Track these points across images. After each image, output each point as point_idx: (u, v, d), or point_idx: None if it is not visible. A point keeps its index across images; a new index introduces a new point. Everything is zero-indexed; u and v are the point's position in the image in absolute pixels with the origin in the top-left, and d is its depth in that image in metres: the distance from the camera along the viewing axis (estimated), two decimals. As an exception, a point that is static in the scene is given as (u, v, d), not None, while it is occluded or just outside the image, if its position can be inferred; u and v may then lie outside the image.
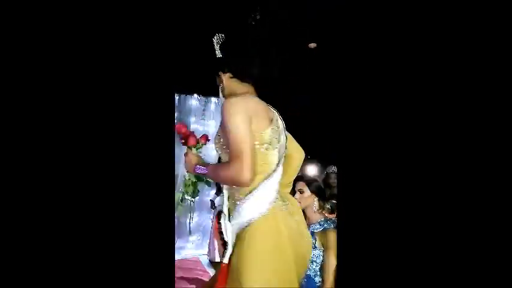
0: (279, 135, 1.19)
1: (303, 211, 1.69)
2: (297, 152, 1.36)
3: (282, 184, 1.20)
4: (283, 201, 1.16)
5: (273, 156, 1.15)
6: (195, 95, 4.27)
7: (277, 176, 1.15)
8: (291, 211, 1.16)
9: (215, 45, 1.33)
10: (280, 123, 1.23)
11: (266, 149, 1.12)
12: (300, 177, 1.78)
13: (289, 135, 1.32)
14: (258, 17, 2.99)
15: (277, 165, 1.15)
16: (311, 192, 1.71)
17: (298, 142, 1.38)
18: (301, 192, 1.70)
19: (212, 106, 4.40)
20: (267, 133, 1.12)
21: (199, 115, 4.34)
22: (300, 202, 1.65)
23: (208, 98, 4.36)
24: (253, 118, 1.08)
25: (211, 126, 4.34)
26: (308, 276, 1.59)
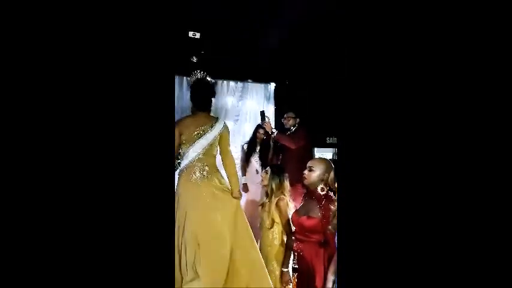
0: (202, 135, 2.39)
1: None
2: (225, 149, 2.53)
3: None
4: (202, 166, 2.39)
5: (193, 145, 2.39)
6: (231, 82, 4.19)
7: (192, 153, 2.38)
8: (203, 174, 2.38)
9: (192, 77, 2.56)
10: (209, 130, 2.41)
11: (185, 141, 2.39)
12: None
13: (226, 136, 2.51)
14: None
15: (191, 148, 2.39)
16: None
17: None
18: None
19: (248, 91, 4.29)
20: (190, 135, 2.38)
21: (235, 100, 4.26)
22: None
23: (245, 84, 4.26)
24: (182, 130, 2.37)
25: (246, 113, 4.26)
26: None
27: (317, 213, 1.88)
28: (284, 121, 3.69)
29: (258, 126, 3.68)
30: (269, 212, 2.29)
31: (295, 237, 2.04)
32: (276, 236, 2.26)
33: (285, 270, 2.14)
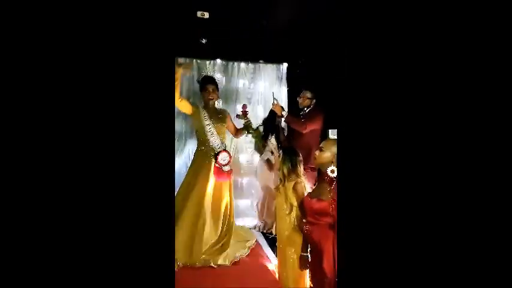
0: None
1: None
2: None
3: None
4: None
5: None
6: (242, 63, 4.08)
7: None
8: None
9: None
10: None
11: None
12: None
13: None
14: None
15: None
16: None
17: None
18: None
19: (261, 73, 4.17)
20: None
21: (247, 82, 4.16)
22: None
23: (257, 65, 4.14)
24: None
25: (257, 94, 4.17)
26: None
27: (327, 196, 1.86)
28: (299, 100, 3.50)
29: None
30: (286, 196, 2.23)
31: (306, 220, 2.01)
32: (293, 220, 2.22)
33: (304, 254, 2.11)
